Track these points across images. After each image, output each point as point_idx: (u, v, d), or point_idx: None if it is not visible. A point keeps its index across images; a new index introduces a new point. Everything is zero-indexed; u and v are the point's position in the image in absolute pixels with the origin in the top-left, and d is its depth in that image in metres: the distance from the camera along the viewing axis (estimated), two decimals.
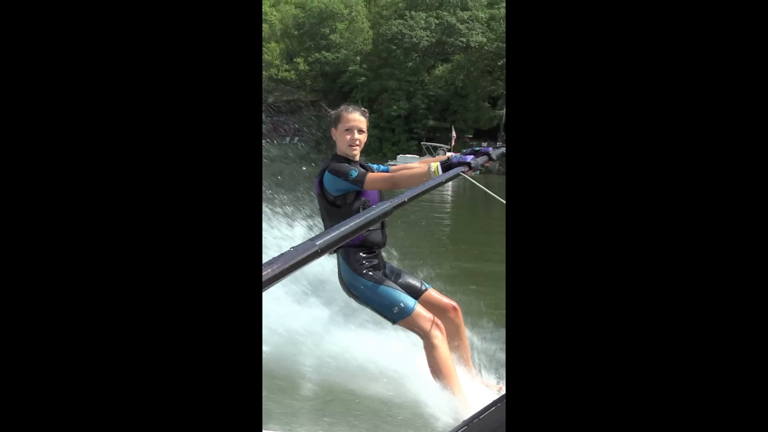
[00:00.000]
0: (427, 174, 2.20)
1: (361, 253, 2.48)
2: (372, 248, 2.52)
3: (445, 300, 2.69)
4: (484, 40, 43.98)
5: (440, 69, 45.89)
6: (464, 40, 44.48)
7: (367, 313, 2.66)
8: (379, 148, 41.52)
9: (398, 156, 37.53)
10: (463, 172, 2.05)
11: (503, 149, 2.40)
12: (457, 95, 44.09)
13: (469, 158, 2.13)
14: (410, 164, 2.64)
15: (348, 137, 2.45)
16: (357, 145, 2.47)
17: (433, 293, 2.68)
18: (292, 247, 0.84)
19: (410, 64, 45.96)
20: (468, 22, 44.80)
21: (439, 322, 2.45)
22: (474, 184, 2.08)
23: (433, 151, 34.74)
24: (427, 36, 45.58)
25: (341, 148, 2.49)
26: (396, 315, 2.41)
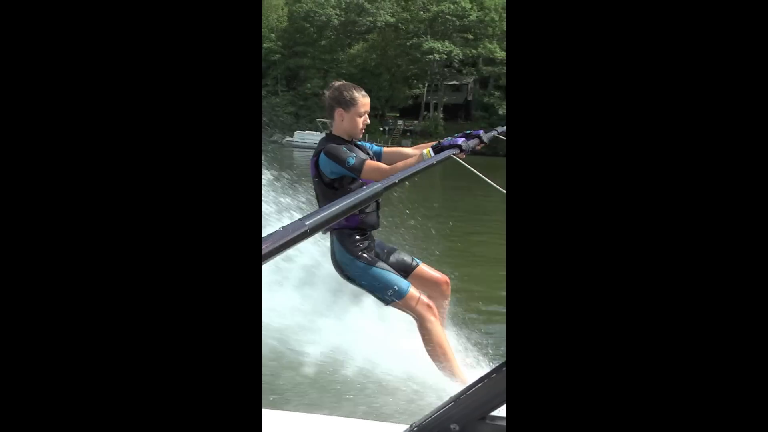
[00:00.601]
0: (420, 159, 2.20)
1: (356, 236, 2.49)
2: (366, 230, 2.54)
3: (437, 274, 2.74)
4: (393, 20, 45.05)
5: (355, 48, 46.61)
6: (371, 19, 45.35)
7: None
8: (297, 126, 41.83)
9: (296, 132, 37.40)
10: (454, 154, 2.05)
11: (494, 133, 2.51)
12: (372, 74, 45.06)
13: (460, 140, 2.14)
14: (404, 151, 2.68)
15: (361, 120, 2.48)
16: (364, 129, 2.53)
17: (424, 268, 2.72)
18: (282, 227, 0.83)
19: (324, 42, 46.27)
20: (377, 2, 45.62)
21: (431, 303, 2.48)
22: (466, 167, 2.05)
23: (329, 127, 35.10)
24: (337, 14, 45.99)
25: (347, 129, 2.49)
26: (390, 297, 2.44)
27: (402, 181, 1.39)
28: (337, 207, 1.00)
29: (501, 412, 0.97)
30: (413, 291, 2.47)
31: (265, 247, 0.75)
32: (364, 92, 2.51)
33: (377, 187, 1.22)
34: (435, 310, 2.49)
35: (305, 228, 0.86)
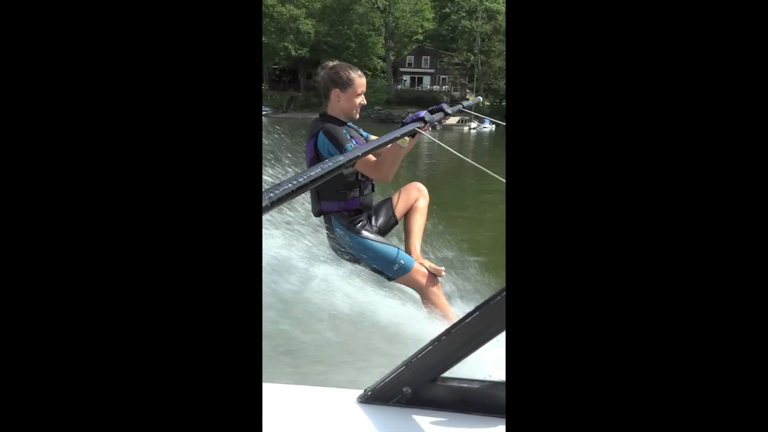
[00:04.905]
0: (399, 148, 2.24)
1: (355, 216, 2.54)
2: (363, 211, 2.58)
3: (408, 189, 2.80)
4: None
5: None
6: None
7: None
8: None
9: None
10: (418, 128, 2.05)
11: (459, 106, 2.56)
12: None
13: (423, 113, 2.14)
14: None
15: (358, 101, 2.49)
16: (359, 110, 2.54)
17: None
18: None
19: None
20: None
21: (435, 275, 2.52)
22: (433, 140, 2.07)
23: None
24: None
25: (344, 110, 2.48)
26: (396, 272, 2.48)
27: (365, 154, 1.43)
28: (300, 180, 1.00)
29: (451, 373, 1.02)
30: (417, 266, 2.51)
31: None
32: (360, 72, 2.51)
33: (340, 159, 1.21)
34: (438, 283, 2.54)
35: (266, 202, 0.87)
